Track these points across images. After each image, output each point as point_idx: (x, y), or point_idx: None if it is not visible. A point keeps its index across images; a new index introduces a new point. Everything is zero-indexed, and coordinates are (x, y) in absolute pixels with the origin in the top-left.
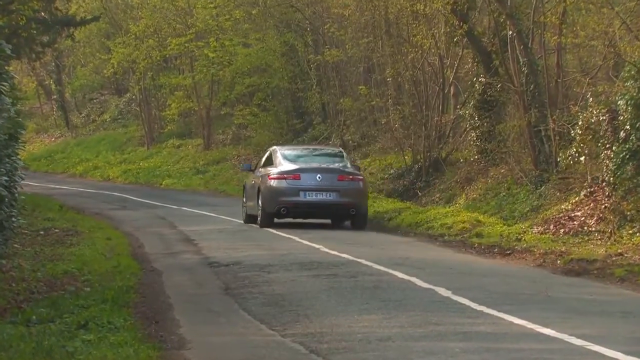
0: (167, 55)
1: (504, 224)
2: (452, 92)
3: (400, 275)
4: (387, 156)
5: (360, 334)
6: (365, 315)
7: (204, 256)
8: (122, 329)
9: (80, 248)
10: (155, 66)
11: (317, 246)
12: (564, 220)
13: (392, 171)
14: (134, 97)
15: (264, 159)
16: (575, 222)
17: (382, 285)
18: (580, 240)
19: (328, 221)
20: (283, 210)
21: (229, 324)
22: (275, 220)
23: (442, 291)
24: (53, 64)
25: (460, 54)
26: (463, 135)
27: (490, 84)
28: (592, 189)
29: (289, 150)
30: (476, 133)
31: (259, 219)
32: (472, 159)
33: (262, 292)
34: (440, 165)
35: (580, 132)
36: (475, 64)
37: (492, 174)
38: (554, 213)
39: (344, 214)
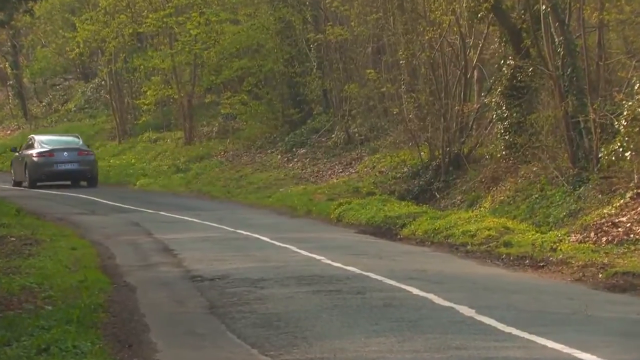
0: (142, 33)
1: (537, 232)
2: (475, 77)
3: (415, 291)
4: (400, 152)
5: (369, 359)
6: (375, 338)
7: (185, 269)
8: (90, 353)
9: (41, 259)
10: (128, 46)
11: (318, 257)
12: (607, 226)
13: (405, 169)
14: (103, 82)
15: (26, 144)
16: (619, 229)
17: (394, 303)
18: (626, 250)
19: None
20: (43, 176)
21: (214, 347)
22: (38, 184)
23: (464, 310)
24: (9, 44)
25: (485, 32)
26: (489, 128)
27: (520, 68)
28: (639, 191)
29: (43, 137)
30: (504, 125)
31: (25, 183)
32: (499, 155)
33: (253, 311)
34: (462, 163)
35: (625, 124)
36: (502, 44)
37: (522, 172)
38: (595, 218)
39: (82, 177)
